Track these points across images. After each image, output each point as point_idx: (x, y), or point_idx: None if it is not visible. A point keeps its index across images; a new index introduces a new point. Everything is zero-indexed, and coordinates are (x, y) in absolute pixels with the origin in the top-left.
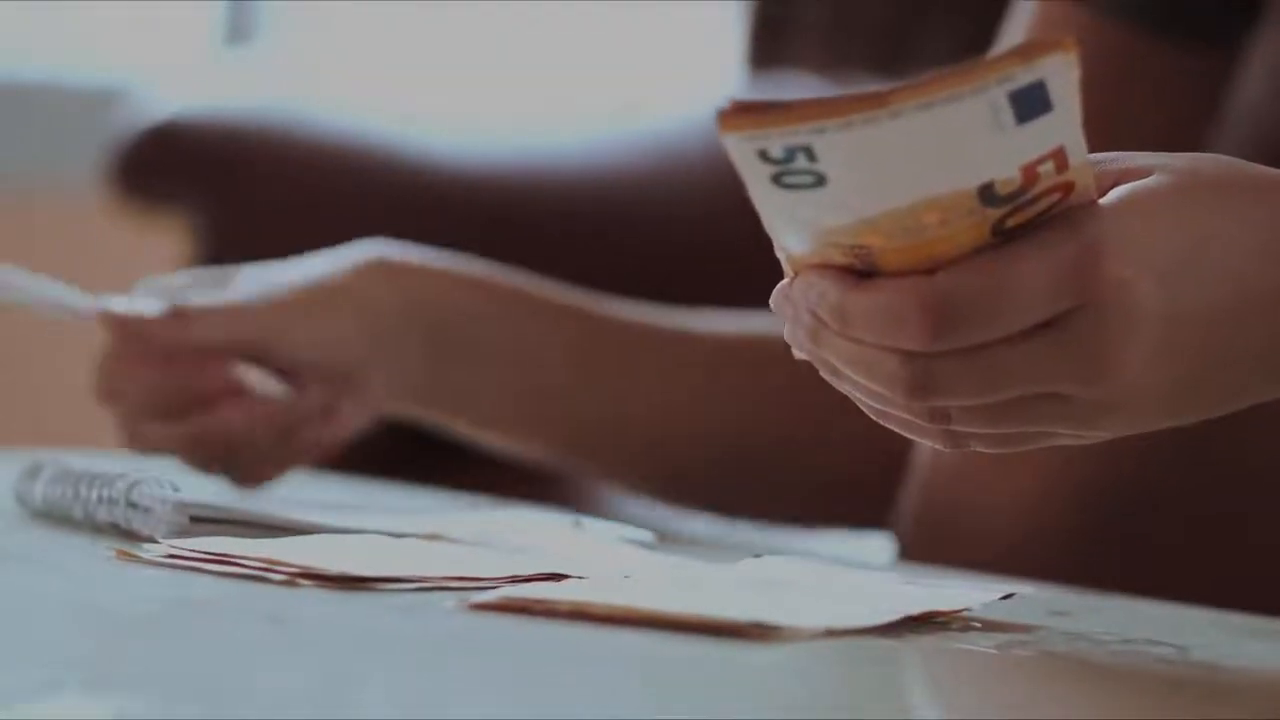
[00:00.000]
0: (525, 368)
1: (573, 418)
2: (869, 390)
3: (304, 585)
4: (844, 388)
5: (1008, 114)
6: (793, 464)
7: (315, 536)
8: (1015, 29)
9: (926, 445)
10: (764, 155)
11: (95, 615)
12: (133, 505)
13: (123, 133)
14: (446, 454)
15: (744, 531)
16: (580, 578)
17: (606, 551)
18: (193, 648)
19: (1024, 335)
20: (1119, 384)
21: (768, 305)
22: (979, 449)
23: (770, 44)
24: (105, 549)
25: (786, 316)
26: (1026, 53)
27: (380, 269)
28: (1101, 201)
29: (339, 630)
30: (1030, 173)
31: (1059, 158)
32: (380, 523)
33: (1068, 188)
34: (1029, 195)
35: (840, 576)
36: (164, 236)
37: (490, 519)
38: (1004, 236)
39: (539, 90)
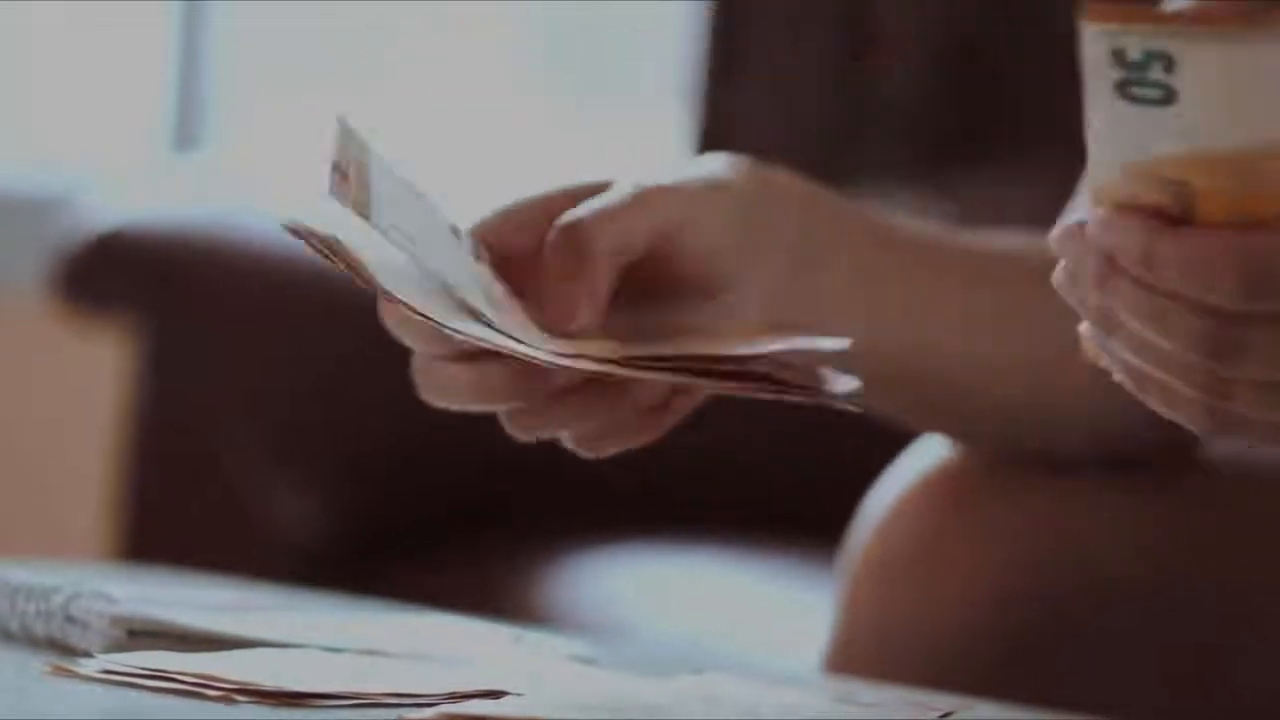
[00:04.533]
0: (870, 286)
1: (908, 341)
2: (1145, 348)
3: (240, 701)
4: (1109, 344)
5: None
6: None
7: (253, 651)
8: None
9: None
10: (1118, 57)
11: None
12: (70, 619)
13: (68, 241)
14: (393, 561)
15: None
16: (519, 694)
17: (547, 666)
18: None
19: None
20: None
21: (712, 422)
22: (1239, 434)
23: (717, 149)
24: (42, 664)
25: (1068, 255)
26: None
27: (753, 170)
28: None
29: None
30: None
31: None
32: (318, 636)
33: None
34: None
35: (778, 694)
36: (109, 345)
37: (430, 631)
38: None
39: (485, 197)
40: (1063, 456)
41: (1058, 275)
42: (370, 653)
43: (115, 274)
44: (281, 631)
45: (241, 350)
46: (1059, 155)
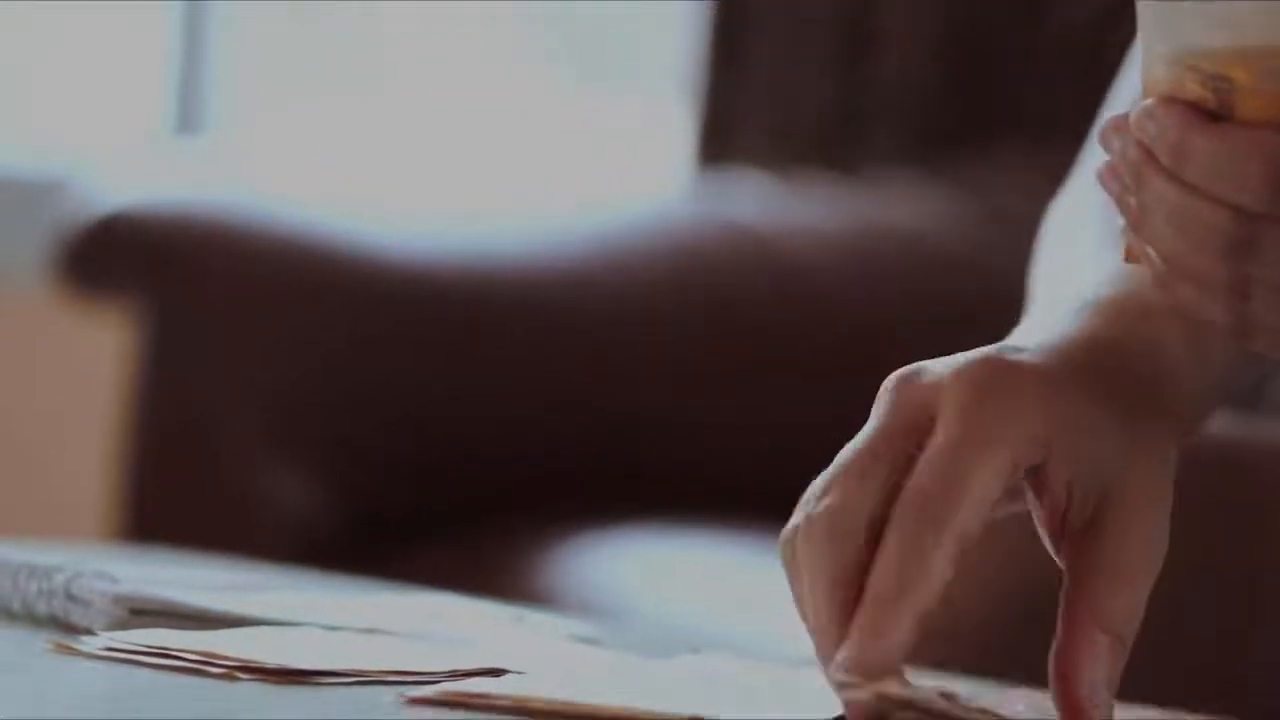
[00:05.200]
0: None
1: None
2: (1172, 247)
3: (243, 678)
4: (1138, 241)
5: None
6: None
7: (254, 629)
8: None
9: None
10: None
11: (32, 708)
12: (72, 598)
13: (70, 224)
14: (393, 544)
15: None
16: (520, 673)
17: (547, 646)
18: None
19: None
20: None
21: (712, 406)
22: (1260, 346)
23: (719, 141)
24: (44, 641)
25: (1112, 149)
26: None
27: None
28: None
29: None
30: None
31: None
32: (319, 615)
33: None
34: None
35: (779, 672)
36: (110, 328)
37: (431, 611)
38: None
39: (488, 185)
40: None
41: (1100, 169)
42: (371, 631)
43: (116, 257)
44: (282, 610)
45: (242, 333)
46: (1059, 154)
